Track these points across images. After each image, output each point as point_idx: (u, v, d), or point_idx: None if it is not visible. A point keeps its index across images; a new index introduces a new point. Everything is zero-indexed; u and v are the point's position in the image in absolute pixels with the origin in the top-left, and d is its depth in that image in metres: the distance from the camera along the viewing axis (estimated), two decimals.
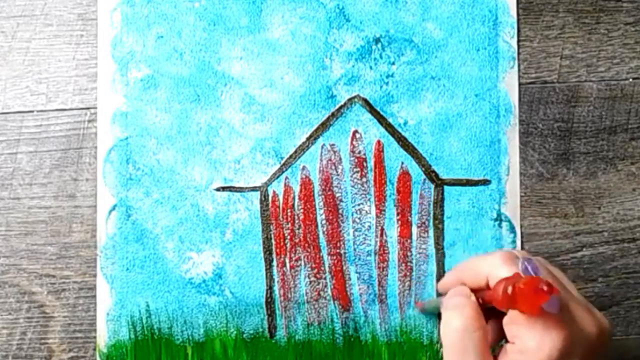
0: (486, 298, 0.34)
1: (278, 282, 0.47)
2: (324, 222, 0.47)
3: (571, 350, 0.31)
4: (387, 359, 0.47)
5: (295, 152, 0.48)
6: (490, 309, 0.34)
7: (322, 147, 0.48)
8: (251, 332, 0.47)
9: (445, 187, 0.47)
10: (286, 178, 0.48)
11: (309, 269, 0.47)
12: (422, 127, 0.48)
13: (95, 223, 0.47)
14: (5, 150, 0.48)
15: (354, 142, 0.48)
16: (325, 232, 0.47)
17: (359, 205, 0.47)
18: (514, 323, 0.32)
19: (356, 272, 0.47)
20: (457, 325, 0.33)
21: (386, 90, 0.48)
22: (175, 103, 0.48)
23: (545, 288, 0.29)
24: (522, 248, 0.48)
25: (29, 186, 0.48)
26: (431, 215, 0.47)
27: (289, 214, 0.47)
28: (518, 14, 0.48)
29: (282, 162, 0.48)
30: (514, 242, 0.47)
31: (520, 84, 0.48)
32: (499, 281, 0.32)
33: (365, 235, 0.47)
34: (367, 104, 0.48)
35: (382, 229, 0.47)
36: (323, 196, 0.47)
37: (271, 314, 0.47)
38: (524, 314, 0.31)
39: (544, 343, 0.31)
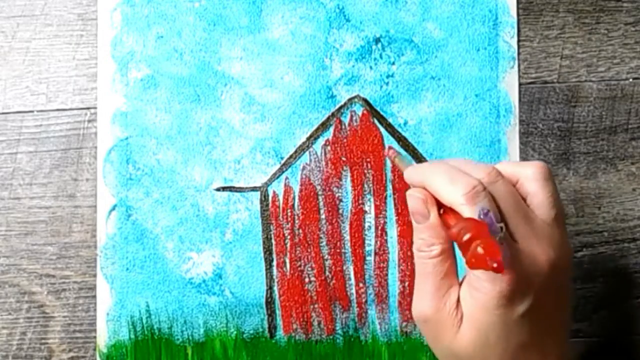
0: (446, 226, 0.34)
1: (278, 282, 0.47)
2: (324, 222, 0.47)
3: (522, 287, 0.31)
4: (387, 359, 0.47)
5: (295, 152, 0.48)
6: None
7: (322, 147, 0.48)
8: (251, 332, 0.47)
9: None
10: (286, 178, 0.48)
11: (309, 269, 0.47)
12: (422, 127, 0.48)
13: (95, 223, 0.47)
14: (5, 150, 0.48)
15: (354, 142, 0.48)
16: (325, 232, 0.47)
17: (359, 205, 0.47)
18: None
19: (356, 272, 0.47)
20: (417, 247, 0.35)
21: (386, 90, 0.48)
22: (175, 103, 0.48)
23: (494, 265, 0.29)
24: None
25: (29, 186, 0.48)
26: None
27: (289, 214, 0.47)
28: (518, 14, 0.48)
29: (282, 162, 0.48)
30: None
31: (520, 84, 0.48)
32: (456, 229, 0.32)
33: (365, 235, 0.47)
34: (367, 104, 0.48)
35: (382, 229, 0.47)
36: (323, 196, 0.47)
37: (271, 314, 0.47)
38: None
39: (494, 282, 0.31)
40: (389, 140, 0.48)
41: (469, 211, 0.32)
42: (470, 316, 0.33)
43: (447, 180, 0.33)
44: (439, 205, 0.34)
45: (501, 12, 0.48)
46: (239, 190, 0.48)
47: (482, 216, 0.31)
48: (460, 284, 0.34)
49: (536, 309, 0.32)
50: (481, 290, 0.32)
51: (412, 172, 0.36)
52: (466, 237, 0.30)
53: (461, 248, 0.31)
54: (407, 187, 0.47)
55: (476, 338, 0.32)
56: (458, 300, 0.33)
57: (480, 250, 0.30)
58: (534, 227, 0.33)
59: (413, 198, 0.35)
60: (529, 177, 0.34)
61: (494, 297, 0.31)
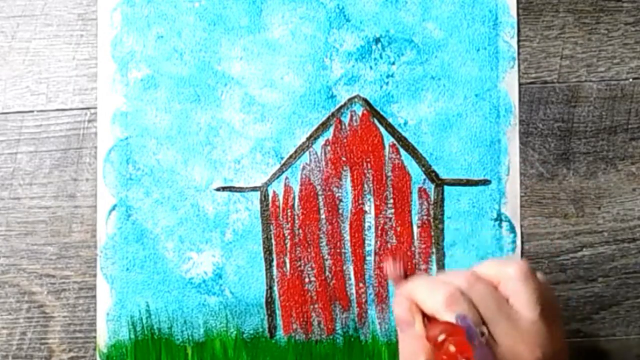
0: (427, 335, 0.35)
1: (278, 282, 0.47)
2: (324, 222, 0.47)
3: None
4: (387, 359, 0.47)
5: (295, 152, 0.48)
6: None
7: (322, 147, 0.48)
8: (251, 332, 0.47)
9: (445, 187, 0.48)
10: (286, 178, 0.48)
11: (309, 269, 0.47)
12: (422, 127, 0.48)
13: (95, 223, 0.47)
14: (5, 150, 0.48)
15: (354, 142, 0.48)
16: (325, 232, 0.47)
17: (359, 205, 0.47)
18: None
19: (356, 272, 0.47)
20: (402, 356, 0.35)
21: (386, 90, 0.48)
22: (175, 103, 0.48)
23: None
24: (522, 248, 0.48)
25: (29, 186, 0.48)
26: (431, 215, 0.47)
27: (289, 214, 0.47)
28: (518, 14, 0.48)
29: (282, 162, 0.48)
30: (514, 242, 0.47)
31: (520, 84, 0.48)
32: (432, 332, 0.33)
33: (365, 235, 0.47)
34: (367, 104, 0.48)
35: (382, 229, 0.47)
36: (323, 196, 0.47)
37: (271, 314, 0.47)
38: None
39: None
40: (389, 140, 0.48)
41: (447, 317, 0.32)
42: None
43: (427, 289, 0.34)
44: (425, 317, 0.35)
45: (501, 12, 0.48)
46: (239, 190, 0.48)
47: (459, 321, 0.32)
48: None
49: None
50: None
51: (400, 289, 0.37)
52: (440, 337, 0.31)
53: (436, 351, 0.32)
54: (408, 187, 0.48)
55: None
56: None
57: (452, 348, 0.30)
58: (519, 328, 0.33)
59: (397, 306, 0.36)
60: (510, 276, 0.34)
61: None
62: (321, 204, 0.47)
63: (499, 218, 0.47)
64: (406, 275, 0.39)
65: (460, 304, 0.33)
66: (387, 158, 0.47)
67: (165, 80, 0.48)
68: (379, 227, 0.47)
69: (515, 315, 0.34)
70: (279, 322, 0.47)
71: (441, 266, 0.47)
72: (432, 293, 0.34)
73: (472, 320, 0.32)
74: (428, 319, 0.35)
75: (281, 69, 0.48)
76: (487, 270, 0.35)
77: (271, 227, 0.47)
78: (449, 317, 0.32)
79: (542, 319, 0.34)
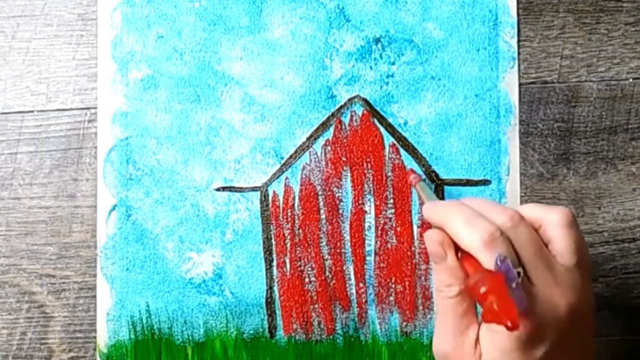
0: (464, 269, 0.34)
1: (278, 282, 0.47)
2: (324, 222, 0.47)
3: (540, 331, 0.32)
4: (387, 359, 0.47)
5: (295, 152, 0.48)
6: None
7: (322, 147, 0.48)
8: (251, 332, 0.47)
9: (446, 187, 0.48)
10: (286, 178, 0.48)
11: (309, 269, 0.47)
12: (422, 127, 0.48)
13: (95, 223, 0.47)
14: (5, 150, 0.48)
15: (354, 142, 0.48)
16: (325, 232, 0.47)
17: (359, 205, 0.47)
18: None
19: (356, 272, 0.47)
20: (436, 287, 0.35)
21: (386, 90, 0.48)
22: (175, 103, 0.48)
23: (509, 324, 0.30)
24: None
25: (29, 186, 0.48)
26: None
27: (289, 214, 0.47)
28: (518, 14, 0.48)
29: (282, 162, 0.48)
30: None
31: (520, 84, 0.48)
32: (472, 281, 0.32)
33: (365, 235, 0.47)
34: (367, 104, 0.48)
35: (382, 229, 0.47)
36: (323, 196, 0.47)
37: (271, 314, 0.47)
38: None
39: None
40: (389, 140, 0.48)
41: (485, 257, 0.32)
42: (489, 357, 0.33)
43: (465, 224, 0.33)
44: (458, 247, 0.35)
45: (501, 12, 0.48)
46: (239, 190, 0.48)
47: (498, 263, 0.31)
48: (480, 324, 0.34)
49: (555, 353, 0.32)
50: (499, 334, 0.32)
51: (431, 211, 0.37)
52: (482, 290, 0.31)
53: (477, 299, 0.31)
54: (408, 187, 0.47)
55: None
56: (477, 340, 0.34)
57: (495, 306, 0.30)
58: (554, 273, 0.33)
59: (429, 240, 0.35)
60: (553, 222, 0.34)
61: (512, 340, 0.31)
62: (321, 204, 0.47)
63: None
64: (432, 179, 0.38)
65: (499, 244, 0.32)
66: (387, 158, 0.47)
67: (165, 80, 0.48)
68: (379, 227, 0.47)
69: (552, 260, 0.34)
70: (279, 322, 0.47)
71: None
72: (470, 229, 0.33)
73: (512, 262, 0.32)
74: (462, 252, 0.34)
75: (281, 69, 0.48)
76: (530, 212, 0.35)
77: (271, 227, 0.47)
78: (486, 257, 0.32)
79: (577, 268, 0.34)
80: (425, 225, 0.47)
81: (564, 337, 0.32)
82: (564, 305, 0.32)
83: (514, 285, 0.31)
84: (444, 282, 0.35)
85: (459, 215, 0.34)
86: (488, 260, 0.32)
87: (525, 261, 0.33)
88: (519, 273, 0.31)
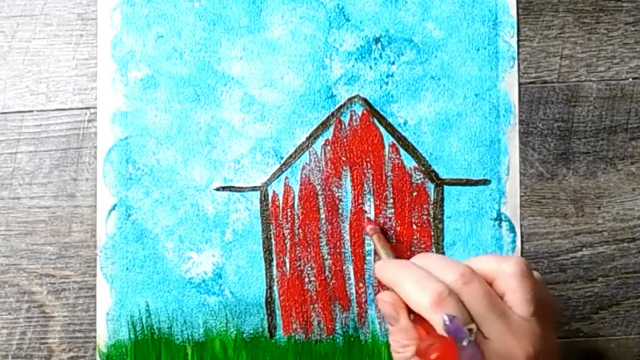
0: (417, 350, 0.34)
1: (278, 282, 0.47)
2: (324, 222, 0.47)
3: None
4: (387, 359, 0.47)
5: (295, 152, 0.48)
6: None
7: (322, 147, 0.48)
8: (251, 332, 0.47)
9: (445, 187, 0.48)
10: (286, 178, 0.48)
11: (309, 269, 0.47)
12: (422, 127, 0.48)
13: (95, 223, 0.47)
14: (5, 150, 0.48)
15: (354, 142, 0.48)
16: (325, 232, 0.47)
17: (359, 205, 0.47)
18: None
19: (356, 272, 0.47)
20: (393, 348, 0.35)
21: (386, 90, 0.48)
22: (175, 103, 0.48)
23: None
24: (523, 248, 0.48)
25: (29, 186, 0.48)
26: (431, 215, 0.47)
27: (289, 214, 0.47)
28: (518, 14, 0.48)
29: (282, 162, 0.48)
30: (514, 242, 0.47)
31: (520, 84, 0.48)
32: (423, 346, 0.32)
33: (366, 235, 0.47)
34: (367, 104, 0.48)
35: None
36: (323, 196, 0.47)
37: (271, 314, 0.47)
38: None
39: None
40: (389, 140, 0.48)
41: (434, 318, 0.32)
42: None
43: (414, 285, 0.34)
44: (411, 312, 0.35)
45: (501, 12, 0.48)
46: (239, 190, 0.48)
47: (447, 323, 0.31)
48: None
49: None
50: None
51: (382, 271, 0.37)
52: (433, 356, 0.31)
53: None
54: (406, 187, 0.48)
55: None
56: None
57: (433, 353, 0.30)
58: (511, 325, 0.33)
59: (382, 302, 0.36)
60: (507, 274, 0.34)
61: None
62: (321, 204, 0.47)
63: (499, 218, 0.47)
64: (384, 232, 0.38)
65: (448, 304, 0.32)
66: (387, 158, 0.48)
67: (165, 80, 0.48)
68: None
69: (509, 312, 0.33)
70: (279, 322, 0.47)
71: None
72: (419, 291, 0.33)
73: (461, 321, 0.31)
74: (414, 314, 0.34)
75: (281, 69, 0.48)
76: (484, 265, 0.35)
77: (271, 227, 0.47)
78: (437, 317, 0.32)
79: (536, 318, 0.34)
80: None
81: None
82: (523, 356, 0.32)
83: (465, 344, 0.30)
84: (399, 344, 0.35)
85: (409, 276, 0.34)
86: (437, 321, 0.32)
87: (478, 317, 0.32)
88: (471, 330, 0.31)
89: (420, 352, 0.32)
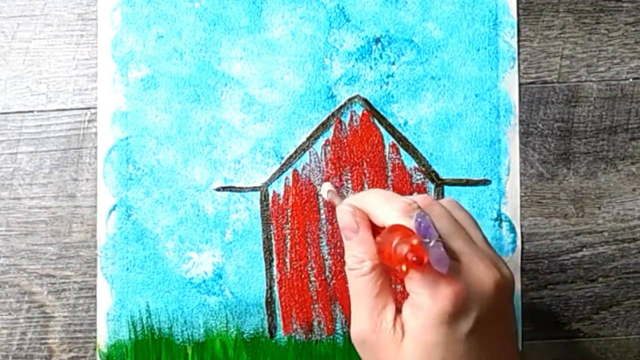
0: (378, 248, 0.33)
1: (278, 282, 0.47)
2: (324, 222, 0.47)
3: (466, 303, 0.30)
4: None
5: (295, 152, 0.48)
6: None
7: (322, 147, 0.48)
8: (251, 332, 0.47)
9: (445, 187, 0.48)
10: (286, 178, 0.48)
11: (309, 269, 0.47)
12: (422, 127, 0.48)
13: (95, 223, 0.47)
14: (5, 150, 0.48)
15: (354, 142, 0.48)
16: (325, 232, 0.47)
17: None
18: (409, 278, 0.31)
19: None
20: (348, 265, 0.33)
21: (386, 90, 0.48)
22: (175, 103, 0.48)
23: (414, 259, 0.29)
24: (523, 248, 0.48)
25: (29, 186, 0.48)
26: None
27: (289, 214, 0.47)
28: (518, 14, 0.48)
29: (282, 162, 0.48)
30: (514, 242, 0.47)
31: (520, 84, 0.48)
32: (382, 235, 0.31)
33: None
34: (367, 104, 0.48)
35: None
36: (323, 196, 0.47)
37: (271, 314, 0.47)
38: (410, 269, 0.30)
39: (436, 298, 0.30)
40: (389, 140, 0.48)
41: (404, 221, 0.31)
42: (413, 337, 0.31)
43: (382, 200, 0.33)
44: (375, 232, 0.33)
45: (501, 12, 0.48)
46: (239, 190, 0.48)
47: (419, 219, 0.30)
48: (399, 304, 0.33)
49: (482, 331, 0.31)
50: (423, 308, 0.31)
51: (349, 202, 0.35)
52: (395, 242, 0.29)
53: (389, 259, 0.30)
54: (406, 188, 0.47)
55: (419, 358, 0.31)
56: (395, 319, 0.32)
57: (404, 249, 0.29)
58: (476, 247, 0.32)
59: (342, 212, 0.34)
60: (453, 205, 0.34)
61: (437, 313, 0.30)
62: (321, 204, 0.47)
63: (499, 218, 0.47)
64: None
65: (417, 212, 0.31)
66: (387, 158, 0.48)
67: (165, 80, 0.48)
68: None
69: (470, 236, 0.33)
70: (279, 322, 0.47)
71: None
72: (386, 203, 0.33)
73: (431, 224, 0.31)
74: (377, 233, 0.33)
75: (281, 69, 0.48)
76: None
77: (271, 227, 0.47)
78: (407, 221, 0.31)
79: (489, 245, 0.34)
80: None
81: (490, 314, 0.31)
82: (491, 278, 0.31)
83: (432, 243, 0.29)
84: (356, 259, 0.33)
85: (376, 196, 0.34)
86: (407, 222, 0.31)
87: (445, 235, 0.32)
88: (440, 241, 0.30)
89: (387, 254, 0.30)
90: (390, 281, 0.33)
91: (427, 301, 0.30)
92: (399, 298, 0.33)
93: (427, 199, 0.34)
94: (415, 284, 0.31)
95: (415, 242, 0.29)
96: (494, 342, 0.32)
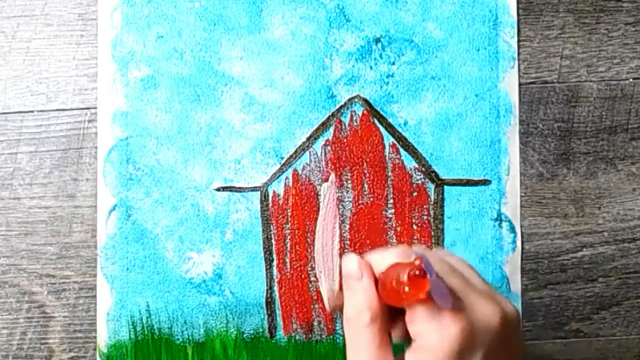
0: (379, 293, 0.33)
1: (278, 282, 0.47)
2: None
3: (473, 341, 0.30)
4: None
5: (295, 152, 0.48)
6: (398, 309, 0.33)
7: (322, 147, 0.48)
8: (251, 332, 0.47)
9: (445, 187, 0.48)
10: (286, 178, 0.48)
11: (309, 269, 0.47)
12: (422, 127, 0.48)
13: (95, 223, 0.47)
14: (5, 150, 0.48)
15: (354, 142, 0.48)
16: None
17: (359, 205, 0.47)
18: (413, 320, 0.31)
19: None
20: (347, 316, 0.33)
21: (386, 90, 0.48)
22: (175, 103, 0.48)
23: (416, 275, 0.29)
24: (523, 248, 0.48)
25: (29, 186, 0.48)
26: (431, 215, 0.47)
27: (289, 214, 0.47)
28: (518, 14, 0.48)
29: (282, 162, 0.48)
30: (514, 242, 0.47)
31: (520, 84, 0.48)
32: (385, 272, 0.31)
33: (366, 234, 0.47)
34: (367, 104, 0.48)
35: (382, 229, 0.47)
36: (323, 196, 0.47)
37: (271, 314, 0.47)
38: (413, 303, 0.30)
39: (443, 337, 0.30)
40: (389, 140, 0.48)
41: (403, 261, 0.31)
42: None
43: (380, 250, 0.34)
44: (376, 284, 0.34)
45: (501, 12, 0.48)
46: (239, 190, 0.48)
47: (417, 259, 0.30)
48: (397, 356, 0.32)
49: None
50: (430, 349, 0.30)
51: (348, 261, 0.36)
52: (402, 276, 0.29)
53: (390, 296, 0.30)
54: (406, 188, 0.47)
55: None
56: None
57: (406, 287, 0.29)
58: (476, 286, 0.33)
59: (347, 261, 0.34)
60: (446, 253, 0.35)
61: (445, 352, 0.30)
62: (321, 204, 0.47)
63: (499, 218, 0.47)
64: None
65: (414, 255, 0.31)
66: (387, 158, 0.48)
67: (166, 80, 0.48)
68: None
69: (469, 278, 0.33)
70: (279, 322, 0.47)
71: None
72: (385, 251, 0.33)
73: (430, 263, 0.30)
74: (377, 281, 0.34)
75: (281, 69, 0.48)
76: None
77: (271, 227, 0.47)
78: (405, 259, 0.31)
79: (489, 285, 0.34)
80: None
81: (499, 348, 0.31)
82: (497, 314, 0.31)
83: (432, 277, 0.29)
84: (356, 308, 0.33)
85: (374, 250, 0.34)
86: (407, 261, 0.31)
87: (443, 275, 0.32)
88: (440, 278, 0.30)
89: (388, 288, 0.30)
90: (390, 335, 0.33)
91: (434, 342, 0.30)
92: None
93: (420, 247, 0.35)
94: (419, 326, 0.31)
95: (417, 262, 0.29)
96: None
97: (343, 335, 0.47)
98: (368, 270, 0.33)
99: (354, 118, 0.48)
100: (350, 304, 0.33)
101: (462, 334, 0.30)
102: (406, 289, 0.29)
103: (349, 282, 0.34)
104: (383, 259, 0.33)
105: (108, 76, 0.48)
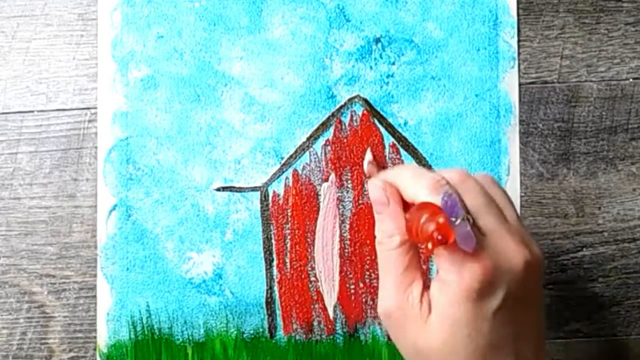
0: (406, 219, 0.33)
1: (278, 282, 0.47)
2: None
3: (493, 280, 0.30)
4: (387, 359, 0.47)
5: (295, 152, 0.48)
6: None
7: (322, 147, 0.48)
8: (251, 332, 0.47)
9: None
10: (286, 178, 0.48)
11: (309, 269, 0.47)
12: (422, 127, 0.48)
13: (96, 223, 0.47)
14: (5, 150, 0.48)
15: (354, 142, 0.48)
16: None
17: (359, 205, 0.47)
18: (437, 255, 0.31)
19: (356, 272, 0.47)
20: (378, 239, 0.34)
21: (386, 90, 0.48)
22: (175, 103, 0.48)
23: (439, 237, 0.29)
24: None
25: (29, 186, 0.48)
26: None
27: (289, 214, 0.47)
28: (518, 14, 0.48)
29: (282, 162, 0.48)
30: None
31: (520, 84, 0.48)
32: (410, 212, 0.31)
33: (366, 234, 0.47)
34: (367, 104, 0.48)
35: None
36: (323, 196, 0.47)
37: (271, 314, 0.47)
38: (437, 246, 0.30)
39: (463, 275, 0.30)
40: (389, 140, 0.48)
41: (431, 198, 0.31)
42: (439, 313, 0.31)
43: (411, 176, 0.33)
44: (406, 207, 0.34)
45: (501, 12, 0.48)
46: (239, 190, 0.48)
47: (445, 198, 0.30)
48: (426, 280, 0.33)
49: (509, 308, 0.31)
50: (450, 284, 0.31)
51: (381, 176, 0.36)
52: (423, 219, 0.29)
53: (416, 235, 0.30)
54: None
55: (444, 335, 0.31)
56: (422, 295, 0.32)
57: (430, 227, 0.29)
58: (507, 224, 0.32)
59: (373, 186, 0.35)
60: (489, 182, 0.34)
61: (463, 290, 0.30)
62: (321, 204, 0.47)
63: None
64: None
65: (445, 188, 0.31)
66: (387, 158, 0.48)
67: (166, 80, 0.48)
68: None
69: (503, 214, 0.33)
70: (279, 322, 0.47)
71: None
72: (416, 179, 0.33)
73: (458, 201, 0.30)
74: (406, 208, 0.33)
75: (281, 69, 0.48)
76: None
77: (271, 227, 0.47)
78: (434, 198, 0.31)
79: (522, 223, 0.33)
80: None
81: (518, 291, 0.31)
82: (521, 257, 0.31)
83: (458, 221, 0.29)
84: (386, 233, 0.33)
85: (407, 171, 0.34)
86: (435, 199, 0.31)
87: (476, 211, 0.32)
88: (467, 218, 0.30)
89: (414, 231, 0.30)
90: (420, 258, 0.33)
91: (454, 278, 0.30)
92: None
93: (462, 173, 0.33)
94: (442, 260, 0.31)
95: (441, 220, 0.29)
96: (520, 321, 0.32)
97: (342, 335, 0.47)
98: (395, 196, 0.34)
99: (354, 118, 0.48)
100: (380, 229, 0.34)
101: (481, 274, 0.30)
102: (429, 245, 0.29)
103: (377, 207, 0.34)
104: (412, 188, 0.33)
105: (108, 76, 0.48)
